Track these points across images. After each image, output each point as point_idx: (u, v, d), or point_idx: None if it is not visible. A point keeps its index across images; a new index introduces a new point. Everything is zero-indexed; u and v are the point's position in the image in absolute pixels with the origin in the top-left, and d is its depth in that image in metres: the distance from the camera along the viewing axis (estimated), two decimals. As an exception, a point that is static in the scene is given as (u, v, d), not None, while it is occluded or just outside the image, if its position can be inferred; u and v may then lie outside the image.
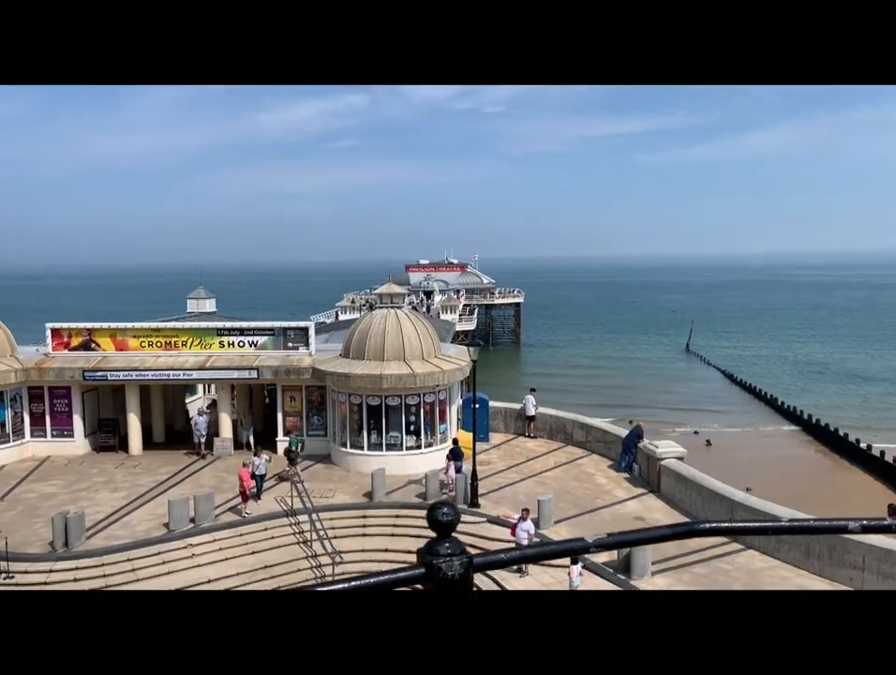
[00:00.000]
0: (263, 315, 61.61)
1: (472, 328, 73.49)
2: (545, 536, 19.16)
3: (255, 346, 26.88)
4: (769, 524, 2.12)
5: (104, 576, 18.04)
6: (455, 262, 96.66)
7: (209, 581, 18.09)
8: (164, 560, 18.74)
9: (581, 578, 16.40)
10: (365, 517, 21.11)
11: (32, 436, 26.74)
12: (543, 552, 1.81)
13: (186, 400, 31.73)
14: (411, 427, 24.69)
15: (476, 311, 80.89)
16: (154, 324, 28.48)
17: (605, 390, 56.95)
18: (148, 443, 27.32)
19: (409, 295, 57.88)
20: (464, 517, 20.01)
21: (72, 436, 26.81)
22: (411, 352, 24.89)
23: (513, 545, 18.22)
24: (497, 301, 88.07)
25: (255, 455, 22.43)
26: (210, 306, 35.39)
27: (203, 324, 28.21)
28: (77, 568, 18.18)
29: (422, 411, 24.70)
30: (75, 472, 24.68)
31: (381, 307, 26.76)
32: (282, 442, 25.44)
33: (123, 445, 27.05)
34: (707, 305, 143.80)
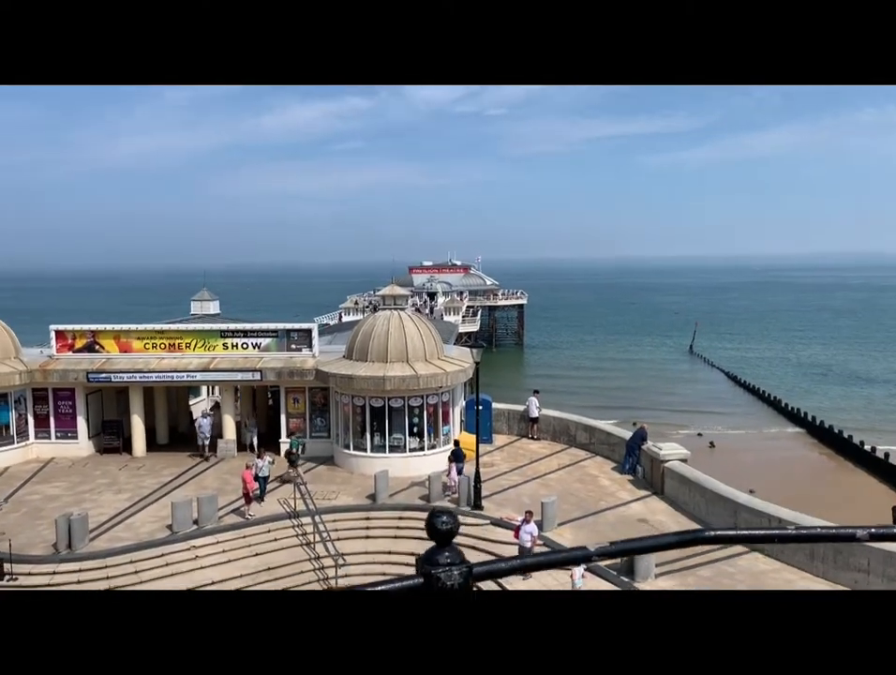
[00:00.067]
0: (267, 317, 61.65)
1: (476, 330, 73.45)
2: (549, 539, 19.13)
3: (258, 348, 26.91)
4: (776, 532, 2.09)
5: (107, 578, 18.05)
6: (459, 263, 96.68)
7: (212, 583, 18.09)
8: (167, 562, 18.74)
9: (584, 581, 16.37)
10: (368, 519, 21.09)
11: (36, 438, 26.78)
12: (544, 561, 1.79)
13: (190, 402, 31.75)
14: (415, 429, 24.68)
15: (479, 313, 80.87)
16: (157, 326, 28.52)
17: (609, 392, 56.86)
18: (152, 445, 27.33)
19: (412, 297, 57.92)
20: (467, 520, 19.99)
21: (76, 438, 26.86)
22: (415, 353, 24.89)
23: (516, 547, 18.19)
24: (500, 302, 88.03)
25: (258, 457, 22.44)
26: (214, 308, 35.46)
27: (207, 326, 28.25)
28: (80, 570, 18.19)
29: (425, 412, 24.69)
30: (79, 474, 24.72)
31: (385, 309, 26.77)
32: (285, 444, 25.45)
33: (126, 447, 27.08)
34: (709, 306, 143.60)
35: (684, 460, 22.70)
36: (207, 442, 26.32)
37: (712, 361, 72.95)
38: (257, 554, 19.45)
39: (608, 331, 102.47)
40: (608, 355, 79.01)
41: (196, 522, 20.03)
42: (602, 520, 20.57)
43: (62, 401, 26.77)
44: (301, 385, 26.27)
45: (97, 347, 26.92)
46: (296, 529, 20.37)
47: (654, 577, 17.32)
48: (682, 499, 21.59)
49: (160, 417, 28.45)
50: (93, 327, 27.36)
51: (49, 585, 17.50)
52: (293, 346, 26.96)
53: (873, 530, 1.89)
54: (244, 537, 19.94)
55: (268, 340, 26.99)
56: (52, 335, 27.10)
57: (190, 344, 26.90)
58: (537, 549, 18.04)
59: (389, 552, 19.63)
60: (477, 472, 21.36)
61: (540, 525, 19.10)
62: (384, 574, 18.47)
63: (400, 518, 20.85)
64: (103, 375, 26.22)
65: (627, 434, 25.67)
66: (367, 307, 67.69)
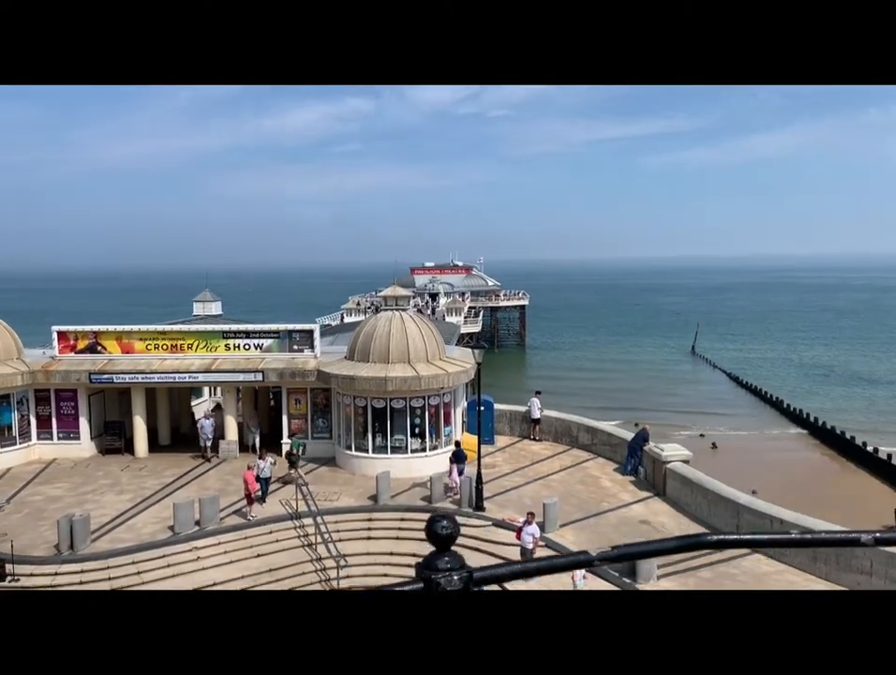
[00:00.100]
0: (268, 317, 61.69)
1: (477, 330, 73.46)
2: (551, 540, 19.12)
3: (260, 348, 26.93)
4: (780, 537, 2.04)
5: (109, 579, 18.06)
6: (461, 264, 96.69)
7: (214, 584, 18.08)
8: (169, 563, 18.75)
9: (585, 582, 16.35)
10: (370, 520, 21.09)
11: (38, 438, 26.82)
12: (545, 566, 1.78)
13: (192, 403, 31.78)
14: (416, 430, 24.68)
15: (481, 314, 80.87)
16: (160, 327, 28.54)
17: (611, 393, 56.80)
18: (154, 446, 27.36)
19: (414, 298, 57.91)
20: (469, 521, 19.99)
21: (78, 438, 26.89)
22: (416, 354, 24.89)
23: (518, 548, 18.18)
24: (502, 303, 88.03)
25: (260, 458, 22.45)
26: (216, 309, 35.50)
27: (209, 327, 28.28)
28: (82, 571, 18.20)
29: (427, 413, 24.69)
30: (81, 475, 24.74)
31: (387, 310, 26.78)
32: (287, 445, 25.47)
33: (129, 448, 27.10)
34: (711, 307, 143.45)
35: (686, 461, 22.67)
36: (209, 443, 26.33)
37: (714, 362, 72.87)
38: (258, 555, 19.46)
39: (610, 332, 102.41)
40: (610, 356, 78.94)
41: (198, 523, 20.04)
42: (604, 522, 20.55)
43: (64, 402, 26.81)
44: (303, 386, 26.29)
45: (99, 348, 26.96)
46: (298, 530, 20.37)
47: (657, 578, 17.30)
48: (684, 500, 21.56)
49: (162, 418, 28.48)
50: (95, 328, 27.40)
51: (51, 586, 17.51)
52: (295, 347, 26.99)
53: (877, 534, 1.84)
54: (245, 538, 19.95)
55: (270, 341, 27.01)
56: (55, 335, 27.13)
57: (192, 345, 26.93)
58: (539, 551, 18.03)
59: (391, 553, 19.62)
60: (479, 474, 21.35)
61: (542, 526, 19.09)
62: (386, 575, 18.47)
63: (402, 520, 20.85)
64: (105, 376, 26.25)
65: (629, 435, 25.66)
66: (369, 307, 67.72)
